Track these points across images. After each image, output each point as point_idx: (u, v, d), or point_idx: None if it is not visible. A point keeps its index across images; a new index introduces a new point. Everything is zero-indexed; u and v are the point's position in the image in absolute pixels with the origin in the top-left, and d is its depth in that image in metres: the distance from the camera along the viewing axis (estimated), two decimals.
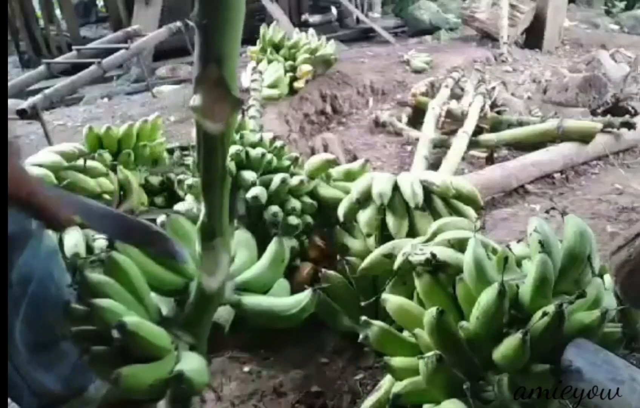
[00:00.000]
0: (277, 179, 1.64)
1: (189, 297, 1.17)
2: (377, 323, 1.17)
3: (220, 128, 0.92)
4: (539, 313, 0.97)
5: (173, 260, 1.17)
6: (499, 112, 3.32)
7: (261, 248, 1.40)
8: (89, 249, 1.60)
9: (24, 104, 2.73)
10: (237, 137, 2.10)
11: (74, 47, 4.50)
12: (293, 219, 1.63)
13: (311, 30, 4.30)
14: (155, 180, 2.09)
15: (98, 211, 1.12)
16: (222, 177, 0.99)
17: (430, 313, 1.01)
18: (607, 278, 1.19)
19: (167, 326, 1.12)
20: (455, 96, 3.50)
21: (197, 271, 1.14)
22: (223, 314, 1.34)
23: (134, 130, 2.05)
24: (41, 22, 6.95)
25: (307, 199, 1.69)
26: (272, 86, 3.52)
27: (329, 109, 4.02)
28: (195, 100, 0.89)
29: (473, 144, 2.92)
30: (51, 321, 1.11)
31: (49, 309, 1.10)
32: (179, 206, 1.72)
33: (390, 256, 1.31)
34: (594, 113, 3.47)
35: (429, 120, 3.11)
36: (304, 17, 7.08)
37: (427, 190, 1.56)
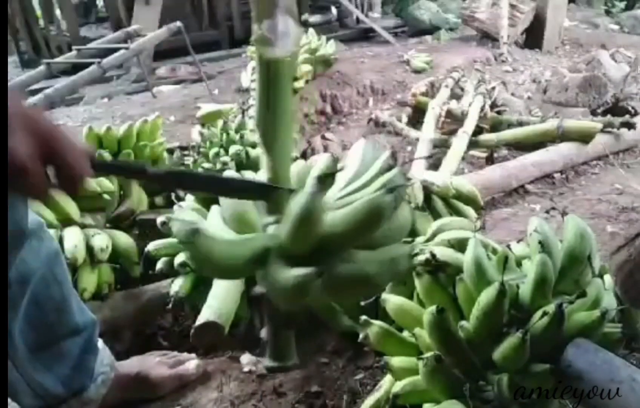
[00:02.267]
0: None
1: None
2: (377, 322, 1.17)
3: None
4: (539, 313, 0.97)
5: None
6: (499, 112, 3.32)
7: None
8: (89, 249, 1.61)
9: None
10: (237, 137, 2.10)
11: (74, 47, 4.50)
12: None
13: (311, 30, 4.30)
14: None
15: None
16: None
17: (430, 311, 1.01)
18: (607, 278, 1.19)
19: None
20: (455, 96, 3.50)
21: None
22: (225, 312, 1.35)
23: (134, 130, 2.05)
24: (41, 22, 6.94)
25: None
26: None
27: (328, 109, 4.01)
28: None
29: (473, 144, 2.92)
30: (53, 321, 1.11)
31: (51, 309, 1.10)
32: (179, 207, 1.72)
33: None
34: (594, 113, 3.47)
35: (429, 120, 3.10)
36: (304, 17, 7.07)
37: (427, 190, 1.56)
